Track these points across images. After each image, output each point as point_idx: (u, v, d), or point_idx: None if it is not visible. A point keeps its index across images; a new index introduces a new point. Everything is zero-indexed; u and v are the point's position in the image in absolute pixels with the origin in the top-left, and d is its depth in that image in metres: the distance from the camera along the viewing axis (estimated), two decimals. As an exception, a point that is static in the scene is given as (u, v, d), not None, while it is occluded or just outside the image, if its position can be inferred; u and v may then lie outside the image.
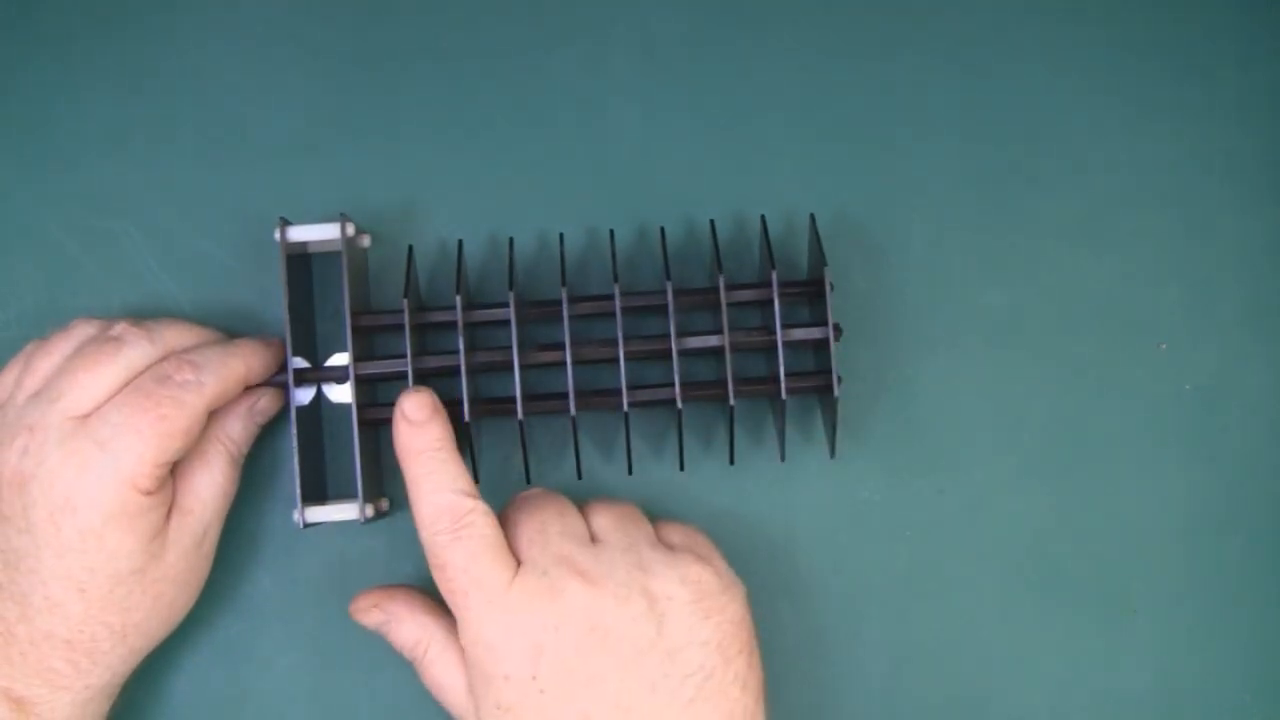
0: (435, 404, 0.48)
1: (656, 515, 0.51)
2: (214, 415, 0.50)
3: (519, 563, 0.47)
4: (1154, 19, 0.57)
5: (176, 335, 0.50)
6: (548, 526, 0.47)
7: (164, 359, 0.48)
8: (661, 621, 0.46)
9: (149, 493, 0.47)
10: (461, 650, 0.48)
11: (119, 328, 0.49)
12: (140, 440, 0.46)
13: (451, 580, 0.46)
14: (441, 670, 0.49)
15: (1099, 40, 0.57)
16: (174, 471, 0.49)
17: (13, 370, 0.50)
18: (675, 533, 0.50)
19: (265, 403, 0.52)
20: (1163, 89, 0.57)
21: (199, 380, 0.47)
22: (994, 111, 0.56)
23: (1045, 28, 0.57)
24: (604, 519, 0.49)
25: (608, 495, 0.52)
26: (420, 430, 0.48)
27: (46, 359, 0.49)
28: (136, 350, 0.48)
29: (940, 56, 0.57)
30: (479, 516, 0.47)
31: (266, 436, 0.54)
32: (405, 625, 0.49)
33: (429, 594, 0.50)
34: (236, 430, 0.51)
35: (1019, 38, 0.57)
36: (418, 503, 0.47)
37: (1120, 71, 0.57)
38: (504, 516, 0.49)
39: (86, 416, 0.47)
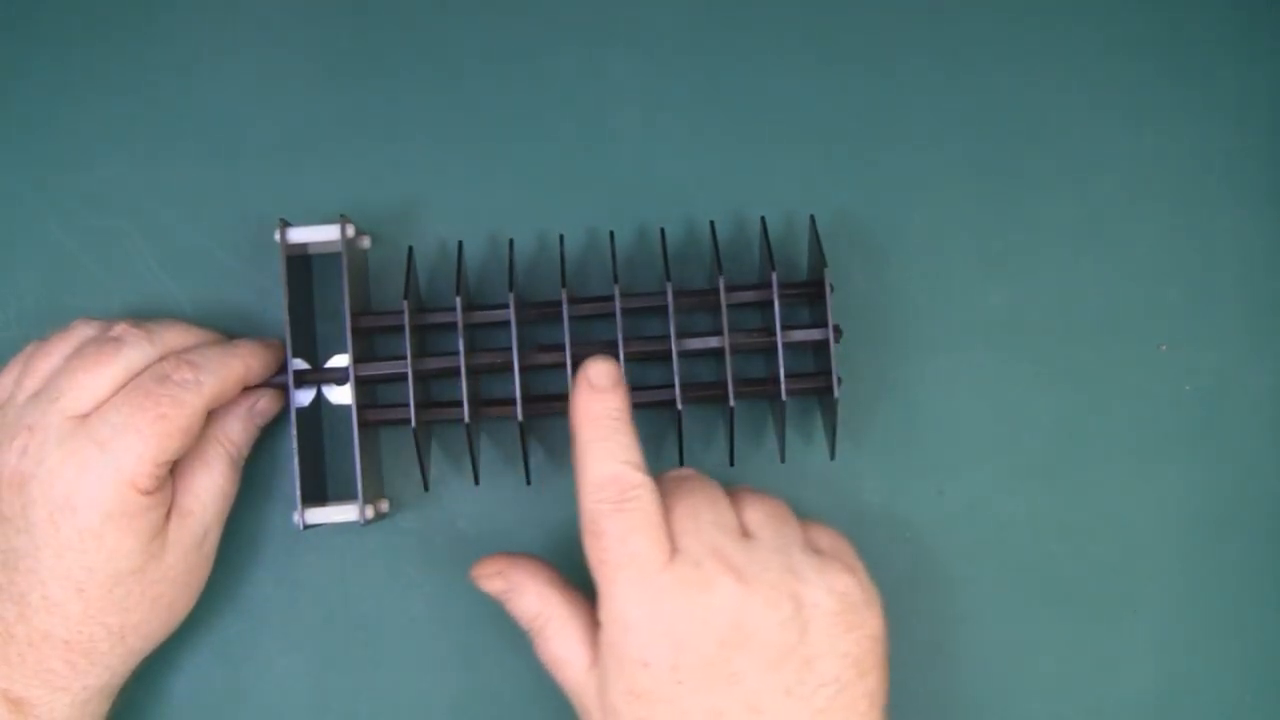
0: (620, 375, 0.47)
1: (803, 514, 0.50)
2: (214, 416, 0.50)
3: (673, 548, 0.46)
4: (1153, 19, 0.57)
5: (176, 336, 0.50)
6: (700, 514, 0.46)
7: (163, 359, 0.48)
8: (805, 629, 0.45)
9: (148, 492, 0.47)
10: (582, 626, 0.47)
11: (119, 328, 0.49)
12: (140, 440, 0.46)
13: (605, 551, 0.45)
14: (560, 645, 0.48)
15: (1098, 40, 0.57)
16: (174, 473, 0.49)
17: (12, 371, 0.50)
18: (824, 536, 0.49)
19: (265, 403, 0.52)
20: (1163, 89, 0.57)
21: (198, 380, 0.47)
22: (994, 111, 0.56)
23: (1045, 28, 0.57)
24: (756, 513, 0.48)
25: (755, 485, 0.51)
26: (602, 396, 0.47)
27: (45, 360, 0.49)
28: (136, 351, 0.48)
29: (940, 57, 0.57)
30: (645, 493, 0.45)
31: (266, 438, 0.54)
32: (527, 596, 0.48)
33: (552, 565, 0.50)
34: (236, 431, 0.51)
35: (1019, 38, 0.57)
36: (585, 468, 0.46)
37: (1120, 72, 0.57)
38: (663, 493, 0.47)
39: (86, 416, 0.47)
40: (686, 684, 0.44)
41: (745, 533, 0.47)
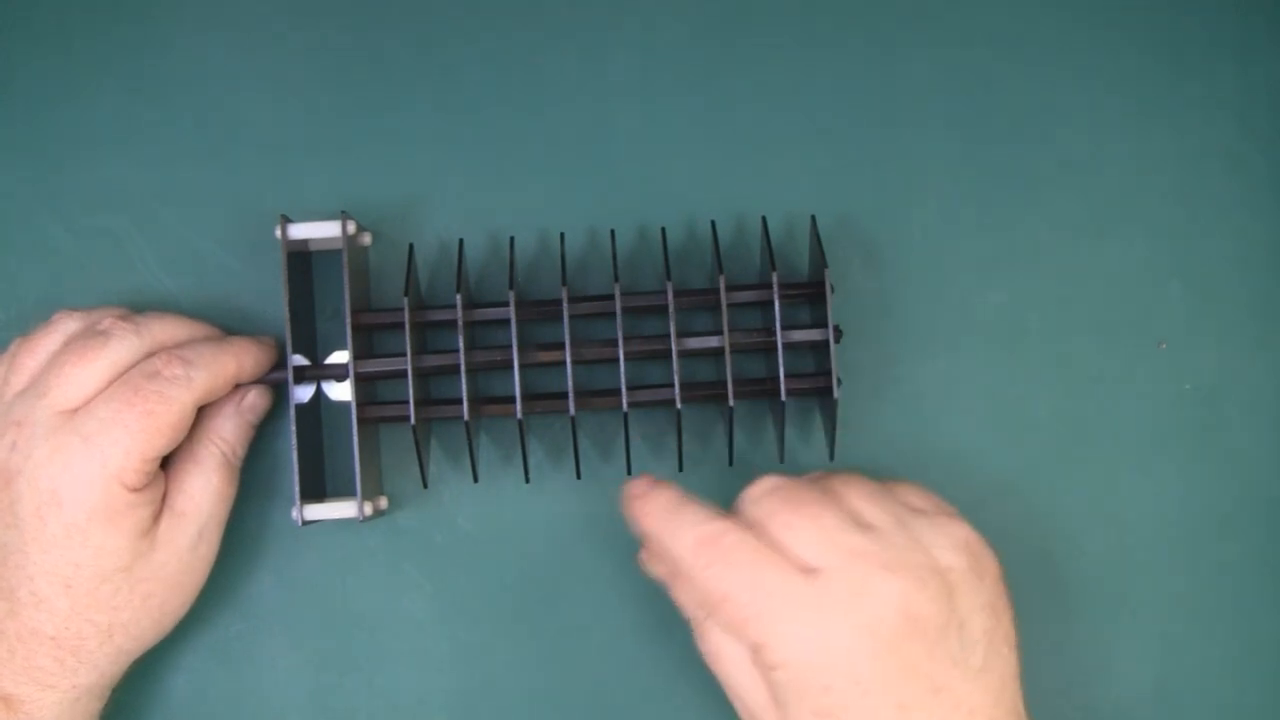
0: (651, 479, 0.48)
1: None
2: (206, 415, 0.50)
3: (801, 565, 0.44)
4: (1154, 17, 0.57)
5: (165, 329, 0.50)
6: (822, 520, 0.45)
7: (155, 354, 0.48)
8: (951, 594, 0.45)
9: (135, 489, 0.47)
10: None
11: (106, 322, 0.49)
12: (127, 435, 0.46)
13: (744, 607, 0.44)
14: (723, 641, 0.46)
15: (1099, 38, 0.57)
16: (168, 472, 0.49)
17: None
18: (912, 494, 0.49)
19: (253, 398, 0.52)
20: (1163, 87, 0.57)
21: (188, 375, 0.47)
22: (994, 111, 0.56)
23: (1045, 27, 0.57)
24: (856, 497, 0.47)
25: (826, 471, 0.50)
26: (646, 498, 0.47)
27: (31, 356, 0.49)
28: (123, 345, 0.48)
29: (940, 56, 0.57)
30: (734, 530, 0.45)
31: (267, 438, 0.54)
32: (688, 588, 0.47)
33: None
34: (229, 430, 0.51)
35: (1018, 37, 0.57)
36: (674, 549, 0.46)
37: (1120, 70, 0.57)
38: (753, 519, 0.46)
39: (74, 411, 0.47)
40: (872, 690, 0.43)
41: (861, 522, 0.46)
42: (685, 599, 0.47)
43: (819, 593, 0.44)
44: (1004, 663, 0.46)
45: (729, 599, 0.44)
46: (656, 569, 0.49)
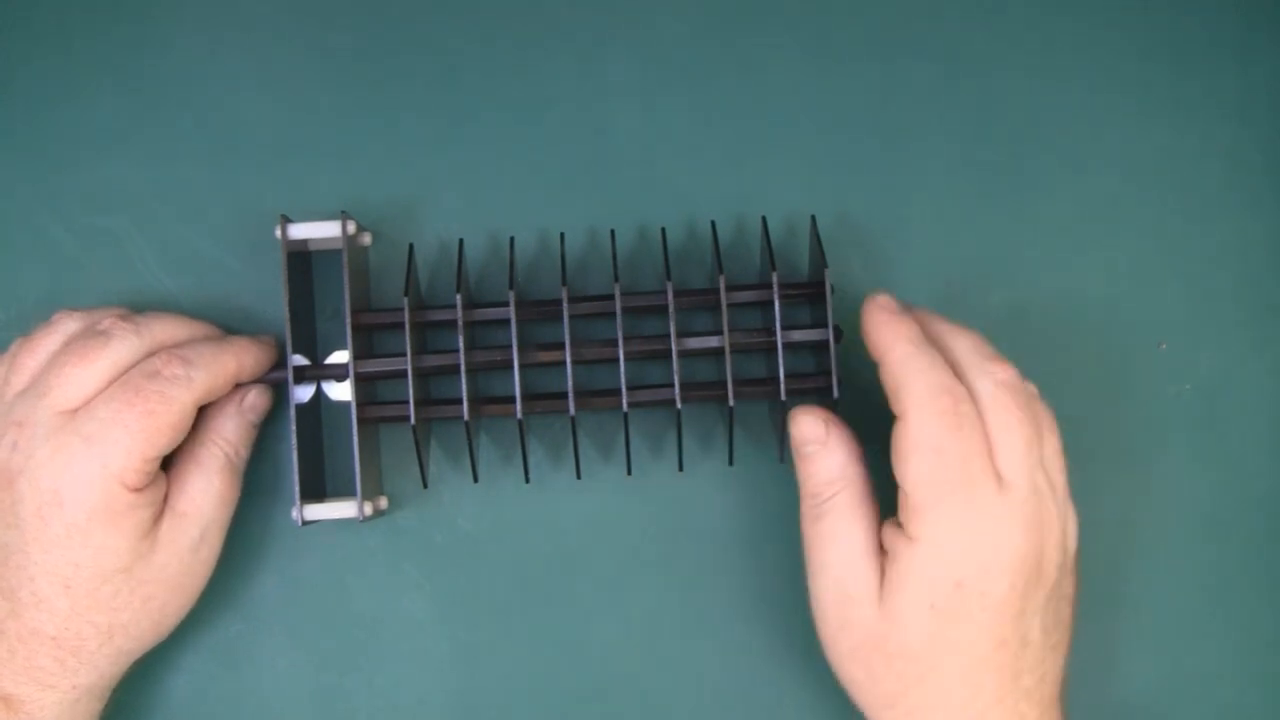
0: (895, 302, 0.48)
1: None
2: (207, 416, 0.50)
3: (999, 469, 0.45)
4: (1154, 17, 0.57)
5: (165, 329, 0.50)
6: (1033, 452, 0.46)
7: (154, 354, 0.48)
8: (1063, 573, 0.47)
9: (136, 489, 0.47)
10: (870, 514, 0.48)
11: (106, 322, 0.49)
12: (127, 435, 0.46)
13: (945, 469, 0.45)
14: (844, 523, 0.48)
15: (1099, 39, 0.57)
16: (170, 474, 0.49)
17: None
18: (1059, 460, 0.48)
19: (253, 397, 0.52)
20: (1163, 87, 0.57)
21: (188, 375, 0.47)
22: (994, 111, 0.56)
23: (1045, 27, 0.57)
24: (1057, 447, 0.48)
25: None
26: (901, 317, 0.48)
27: (31, 356, 0.49)
28: (123, 344, 0.48)
29: (941, 57, 0.57)
30: (972, 408, 0.45)
31: (267, 440, 0.54)
32: (837, 455, 0.48)
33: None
34: (230, 430, 0.51)
35: (1019, 37, 0.57)
36: (915, 379, 0.46)
37: (1120, 70, 0.57)
38: (980, 396, 0.46)
39: (74, 411, 0.47)
40: (989, 610, 0.45)
41: (1052, 468, 0.47)
42: (827, 469, 0.48)
43: (999, 504, 0.45)
44: (1064, 654, 0.48)
45: (944, 455, 0.45)
46: (814, 430, 0.49)
